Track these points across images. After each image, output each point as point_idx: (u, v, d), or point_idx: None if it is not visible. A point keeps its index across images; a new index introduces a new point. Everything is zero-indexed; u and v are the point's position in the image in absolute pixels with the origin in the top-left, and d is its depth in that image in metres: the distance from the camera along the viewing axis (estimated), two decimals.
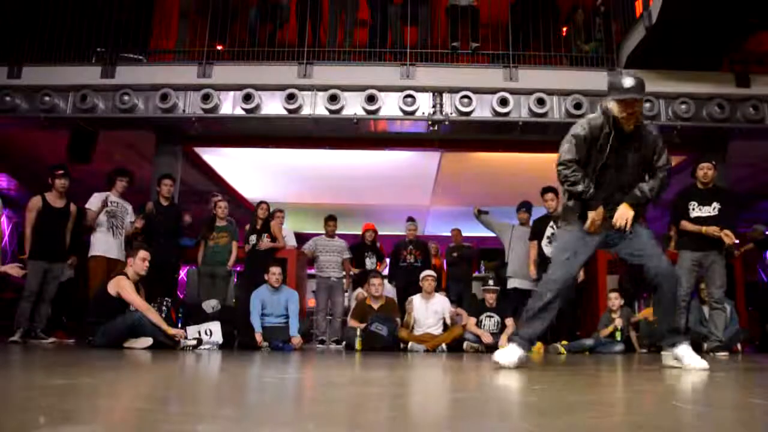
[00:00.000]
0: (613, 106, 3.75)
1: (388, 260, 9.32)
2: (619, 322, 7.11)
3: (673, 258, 6.67)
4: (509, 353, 3.65)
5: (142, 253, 6.03)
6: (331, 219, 8.89)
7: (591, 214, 3.84)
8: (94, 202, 7.06)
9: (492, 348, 6.99)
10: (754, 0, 6.57)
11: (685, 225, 6.41)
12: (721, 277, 6.28)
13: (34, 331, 6.63)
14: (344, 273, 8.66)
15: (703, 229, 6.23)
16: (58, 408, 1.69)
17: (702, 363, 3.75)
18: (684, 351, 3.86)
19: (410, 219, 9.04)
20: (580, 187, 3.80)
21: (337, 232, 8.91)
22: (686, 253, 6.39)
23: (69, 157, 8.06)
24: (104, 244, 7.06)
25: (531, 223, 7.84)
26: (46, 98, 7.88)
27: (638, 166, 3.93)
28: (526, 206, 8.08)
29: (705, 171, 6.44)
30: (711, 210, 6.33)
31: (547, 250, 7.30)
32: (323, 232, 8.94)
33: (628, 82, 3.73)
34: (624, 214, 3.85)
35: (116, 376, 3.07)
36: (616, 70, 8.03)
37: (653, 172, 3.97)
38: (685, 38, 7.25)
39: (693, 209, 6.40)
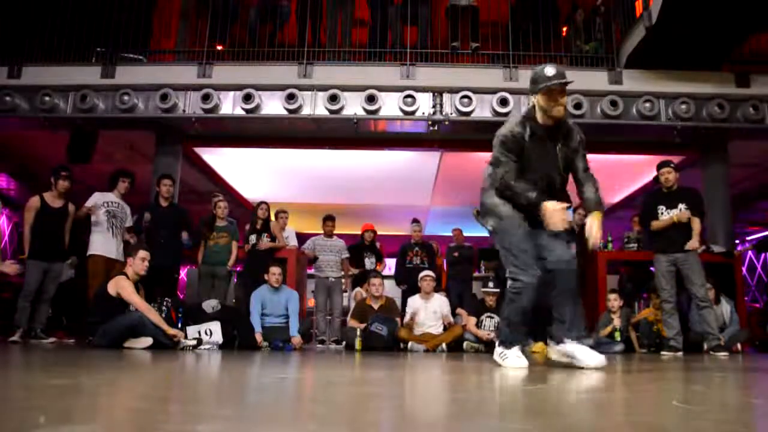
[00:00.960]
0: (539, 98, 3.74)
1: (387, 260, 9.32)
2: (617, 323, 7.11)
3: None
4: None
5: (142, 253, 6.03)
6: (329, 219, 8.90)
7: (551, 210, 3.66)
8: (93, 200, 7.07)
9: (492, 346, 7.01)
10: (753, 0, 6.58)
11: (656, 224, 6.57)
12: (700, 274, 6.36)
13: (34, 331, 6.63)
14: (343, 273, 8.67)
15: (674, 216, 6.40)
16: (58, 408, 1.69)
17: (597, 359, 3.69)
18: (574, 348, 3.78)
19: (415, 221, 9.04)
20: (532, 195, 3.70)
21: (337, 232, 8.91)
22: (660, 255, 6.55)
23: (69, 157, 8.05)
24: (103, 243, 7.05)
25: None
26: (46, 98, 7.88)
27: (564, 160, 3.91)
28: None
29: (666, 176, 6.58)
30: (678, 211, 6.47)
31: None
32: (322, 232, 8.95)
33: (550, 71, 3.71)
34: (599, 227, 3.90)
35: (116, 376, 3.07)
36: (616, 70, 8.04)
37: (579, 171, 4.00)
38: (685, 38, 7.25)
39: (662, 213, 6.56)
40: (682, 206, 6.45)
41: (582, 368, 3.61)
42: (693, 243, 6.37)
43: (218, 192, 8.70)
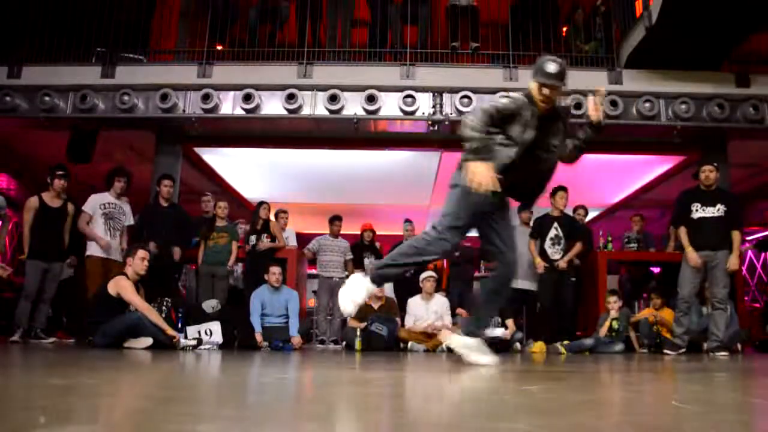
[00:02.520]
0: (533, 86, 3.69)
1: None
2: (615, 322, 7.11)
3: (677, 258, 6.70)
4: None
5: (141, 253, 6.03)
6: (336, 219, 8.91)
7: (473, 170, 3.47)
8: (91, 204, 7.07)
9: (495, 346, 7.02)
10: (753, 0, 6.58)
11: (680, 233, 6.51)
12: (725, 277, 6.28)
13: (34, 330, 6.64)
14: (347, 273, 8.67)
15: (688, 249, 6.32)
16: (58, 408, 1.69)
17: (489, 359, 3.69)
18: (476, 344, 3.74)
19: (407, 221, 9.06)
20: (476, 145, 3.49)
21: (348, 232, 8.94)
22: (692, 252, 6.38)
23: (69, 157, 8.06)
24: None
25: (532, 222, 7.83)
26: (46, 98, 7.88)
27: (562, 140, 3.87)
28: (527, 206, 8.07)
29: (707, 173, 6.46)
30: (715, 211, 6.35)
31: (551, 251, 7.32)
32: (323, 232, 8.94)
33: (551, 67, 3.64)
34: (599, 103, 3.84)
35: (116, 376, 3.07)
36: (616, 70, 8.04)
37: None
38: (685, 38, 7.25)
39: (696, 210, 6.41)
40: (721, 206, 6.32)
41: (473, 364, 3.63)
42: (734, 261, 6.22)
43: (208, 192, 8.73)
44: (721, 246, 6.26)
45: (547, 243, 7.39)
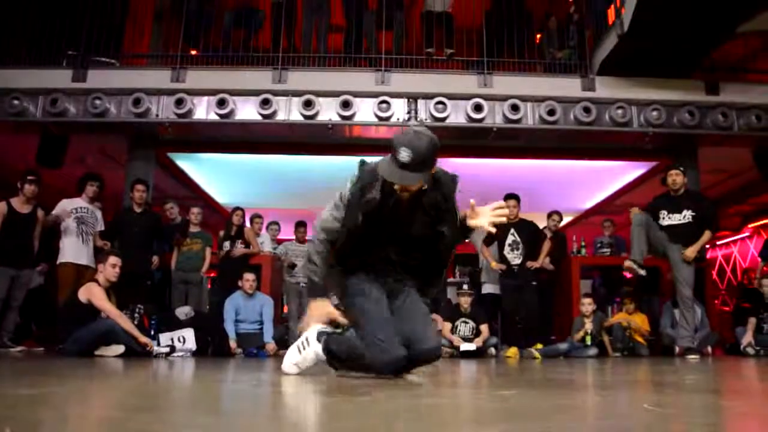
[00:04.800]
0: (383, 169, 2.90)
1: None
2: (589, 327, 7.18)
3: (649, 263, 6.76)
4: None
5: (113, 259, 5.96)
6: (301, 225, 8.93)
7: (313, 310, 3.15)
8: (60, 208, 6.99)
9: (467, 353, 7.06)
10: (723, 10, 6.70)
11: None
12: (691, 275, 6.28)
13: (2, 339, 6.51)
14: None
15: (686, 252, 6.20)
16: (26, 419, 1.65)
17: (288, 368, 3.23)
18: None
19: None
20: (315, 278, 3.13)
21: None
22: (672, 245, 6.30)
23: (39, 161, 7.93)
24: (73, 250, 6.97)
25: None
26: (15, 102, 7.72)
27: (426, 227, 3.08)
28: None
29: (674, 177, 6.51)
30: (682, 218, 6.37)
31: (510, 256, 7.35)
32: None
33: (404, 155, 2.76)
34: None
35: (87, 385, 3.02)
36: (589, 77, 8.11)
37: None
38: (657, 46, 7.36)
39: (664, 218, 6.44)
40: (687, 212, 6.33)
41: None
42: (690, 250, 6.19)
43: (169, 199, 8.65)
44: (679, 241, 6.26)
45: (506, 249, 7.40)
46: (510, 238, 7.39)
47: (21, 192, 6.76)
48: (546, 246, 7.61)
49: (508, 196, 7.39)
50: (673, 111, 7.96)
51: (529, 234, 7.49)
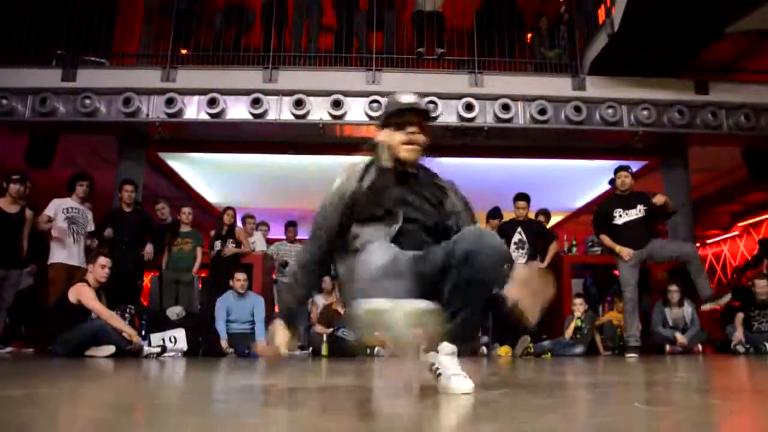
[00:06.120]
0: (386, 136, 2.71)
1: None
2: (578, 316, 7.25)
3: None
4: None
5: (102, 260, 5.94)
6: (291, 225, 8.94)
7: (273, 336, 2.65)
8: (52, 208, 6.95)
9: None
10: (712, 11, 6.74)
11: (603, 239, 6.77)
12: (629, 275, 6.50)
13: None
14: None
15: (617, 248, 6.53)
16: (16, 420, 1.64)
17: (466, 386, 2.31)
18: (450, 363, 2.44)
19: None
20: (289, 298, 2.70)
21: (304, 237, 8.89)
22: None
23: (28, 162, 7.89)
24: (64, 251, 6.93)
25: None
26: (4, 101, 7.67)
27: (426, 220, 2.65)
28: (495, 214, 8.13)
29: (623, 179, 6.76)
30: (637, 212, 6.59)
31: (515, 255, 7.38)
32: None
33: (408, 96, 2.65)
34: None
35: (77, 386, 3.01)
36: (579, 77, 8.14)
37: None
38: (647, 46, 7.39)
39: (619, 216, 6.66)
40: (641, 206, 6.55)
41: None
42: (660, 197, 6.47)
43: (160, 198, 8.61)
44: (647, 243, 6.49)
45: (512, 247, 7.47)
46: (516, 237, 7.48)
47: (7, 192, 6.72)
48: (553, 247, 7.70)
49: (519, 197, 7.50)
50: (663, 110, 8.00)
51: (536, 234, 7.57)
